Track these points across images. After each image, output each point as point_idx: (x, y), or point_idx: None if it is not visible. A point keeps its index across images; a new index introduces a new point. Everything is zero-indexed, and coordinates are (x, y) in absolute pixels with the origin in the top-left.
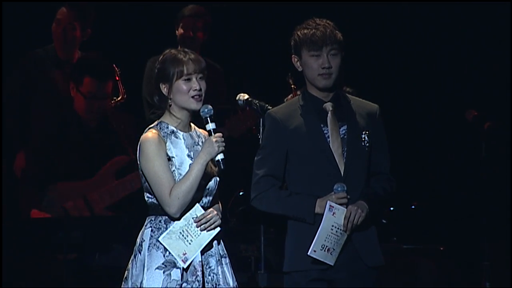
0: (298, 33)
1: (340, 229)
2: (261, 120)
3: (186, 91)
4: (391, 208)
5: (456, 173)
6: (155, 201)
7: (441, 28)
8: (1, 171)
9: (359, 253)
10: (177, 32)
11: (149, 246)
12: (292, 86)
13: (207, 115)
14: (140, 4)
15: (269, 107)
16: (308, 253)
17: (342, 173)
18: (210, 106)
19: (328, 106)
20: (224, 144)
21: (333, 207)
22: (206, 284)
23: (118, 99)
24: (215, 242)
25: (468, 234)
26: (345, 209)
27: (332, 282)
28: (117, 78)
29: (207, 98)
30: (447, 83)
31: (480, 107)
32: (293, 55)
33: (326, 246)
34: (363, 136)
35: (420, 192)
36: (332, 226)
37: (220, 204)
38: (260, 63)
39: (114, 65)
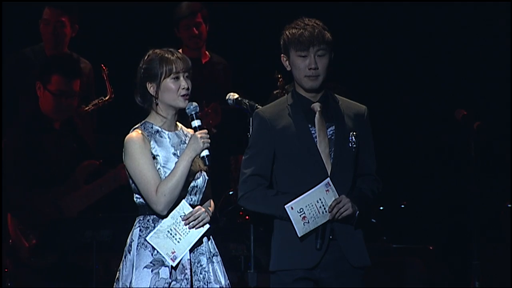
0: (287, 32)
1: (325, 209)
2: (250, 119)
3: (175, 89)
4: (381, 208)
5: (445, 173)
6: (143, 201)
7: (431, 28)
8: (1, 169)
9: (344, 253)
10: (178, 34)
11: (137, 246)
12: (280, 79)
13: (193, 112)
14: (130, 3)
15: (258, 106)
16: (285, 206)
17: (329, 173)
18: (195, 104)
19: (316, 106)
20: (209, 140)
21: (330, 185)
22: (198, 282)
23: (106, 98)
24: (205, 239)
25: (457, 234)
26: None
27: (318, 282)
28: (105, 77)
29: (209, 92)
30: (437, 82)
31: (469, 107)
32: (282, 55)
33: (303, 213)
34: (351, 137)
35: (410, 192)
36: (319, 199)
37: (212, 203)
38: (250, 60)
39: (102, 65)
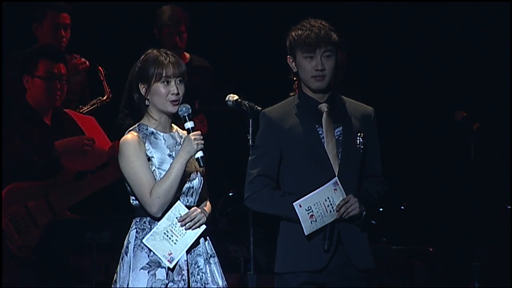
0: (293, 34)
1: (332, 208)
2: (250, 121)
3: (165, 94)
4: (381, 209)
5: (445, 174)
6: (139, 203)
7: (431, 29)
8: (1, 167)
9: (349, 257)
10: (158, 36)
11: (134, 248)
12: (296, 82)
13: (185, 114)
14: (128, 3)
15: (258, 108)
16: (294, 204)
17: (336, 174)
18: (188, 105)
19: (323, 107)
20: (203, 142)
21: (338, 184)
22: (195, 283)
23: (104, 98)
24: (202, 240)
25: (457, 235)
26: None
27: (323, 285)
28: (101, 79)
29: (196, 97)
30: (437, 84)
31: (469, 108)
32: (288, 56)
33: (311, 211)
34: (358, 138)
35: (409, 193)
36: (328, 198)
37: (208, 203)
38: (252, 63)
39: (98, 66)
